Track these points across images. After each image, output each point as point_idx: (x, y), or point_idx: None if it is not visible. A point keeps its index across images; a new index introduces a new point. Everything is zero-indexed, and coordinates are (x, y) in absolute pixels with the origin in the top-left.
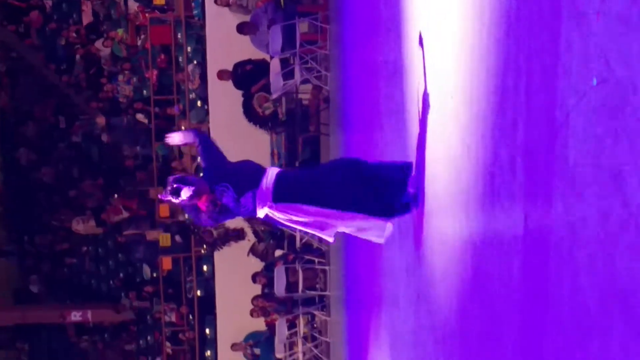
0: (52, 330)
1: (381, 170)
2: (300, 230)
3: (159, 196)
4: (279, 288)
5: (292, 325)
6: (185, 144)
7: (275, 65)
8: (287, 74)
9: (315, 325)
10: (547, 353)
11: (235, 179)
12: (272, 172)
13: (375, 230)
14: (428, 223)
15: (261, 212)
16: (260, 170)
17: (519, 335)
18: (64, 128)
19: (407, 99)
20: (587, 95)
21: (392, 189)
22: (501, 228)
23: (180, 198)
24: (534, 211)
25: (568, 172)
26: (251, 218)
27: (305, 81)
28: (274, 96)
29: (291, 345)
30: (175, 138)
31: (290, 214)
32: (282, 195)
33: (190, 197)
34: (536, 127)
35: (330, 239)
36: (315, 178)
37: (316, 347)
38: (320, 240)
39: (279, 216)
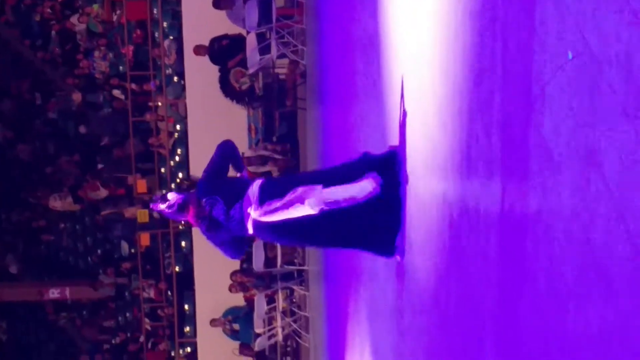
0: (30, 307)
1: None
2: (287, 241)
3: (150, 205)
4: (258, 263)
5: (271, 300)
6: None
7: (251, 40)
8: (264, 49)
9: (294, 300)
10: (524, 323)
11: (224, 193)
12: (256, 182)
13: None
14: (406, 197)
15: (249, 225)
16: (247, 183)
17: (496, 306)
18: (40, 105)
19: (384, 73)
20: (562, 68)
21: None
22: (478, 201)
23: (168, 203)
24: (511, 184)
25: (544, 145)
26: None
27: (281, 56)
28: (251, 71)
29: (270, 320)
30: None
31: (276, 213)
32: (267, 198)
33: (179, 206)
34: (512, 101)
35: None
36: (299, 178)
37: (295, 321)
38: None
39: (265, 221)
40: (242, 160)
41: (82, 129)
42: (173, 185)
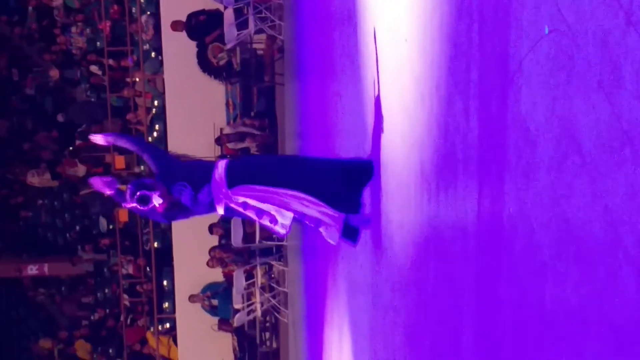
0: (8, 284)
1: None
2: (258, 222)
3: (123, 205)
4: (236, 239)
5: (249, 275)
6: (107, 145)
7: (229, 16)
8: (241, 24)
9: (272, 276)
10: (503, 298)
11: (189, 177)
12: (221, 163)
13: (328, 228)
14: (384, 174)
15: (219, 207)
16: (211, 165)
17: (474, 281)
18: (17, 81)
19: (362, 46)
20: (539, 43)
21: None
22: (456, 177)
23: (151, 205)
24: (489, 159)
25: (521, 121)
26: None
27: (259, 31)
28: (228, 46)
29: (249, 296)
30: (97, 139)
31: (246, 197)
32: (235, 179)
33: (162, 204)
34: (489, 76)
35: (283, 231)
36: (265, 162)
37: (274, 297)
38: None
39: (235, 205)
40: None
41: (60, 118)
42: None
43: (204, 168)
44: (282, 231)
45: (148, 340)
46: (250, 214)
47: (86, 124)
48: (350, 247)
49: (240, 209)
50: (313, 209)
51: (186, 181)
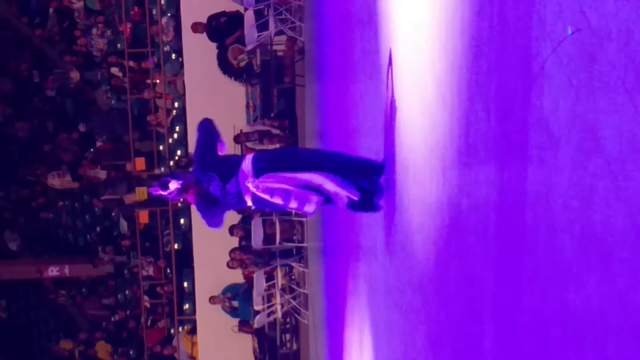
0: (29, 285)
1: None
2: (284, 206)
3: (149, 190)
4: (257, 240)
5: (270, 277)
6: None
7: (249, 17)
8: (262, 26)
9: (293, 277)
10: (524, 296)
11: (220, 170)
12: (249, 156)
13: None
14: (405, 175)
15: (248, 197)
16: (240, 159)
17: (495, 281)
18: (38, 82)
19: (382, 48)
20: (562, 44)
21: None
22: (478, 177)
23: (168, 190)
24: (510, 161)
25: (543, 121)
26: (242, 209)
27: (279, 32)
28: (249, 48)
29: (269, 298)
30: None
31: (273, 184)
32: (261, 170)
33: (179, 191)
34: (511, 77)
35: (311, 209)
36: (291, 152)
37: (294, 298)
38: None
39: (262, 193)
40: (219, 135)
41: (82, 128)
42: (172, 163)
43: (233, 162)
44: (310, 209)
45: (174, 337)
46: (277, 201)
47: (106, 135)
48: (373, 214)
49: (268, 197)
50: (331, 185)
51: (218, 174)
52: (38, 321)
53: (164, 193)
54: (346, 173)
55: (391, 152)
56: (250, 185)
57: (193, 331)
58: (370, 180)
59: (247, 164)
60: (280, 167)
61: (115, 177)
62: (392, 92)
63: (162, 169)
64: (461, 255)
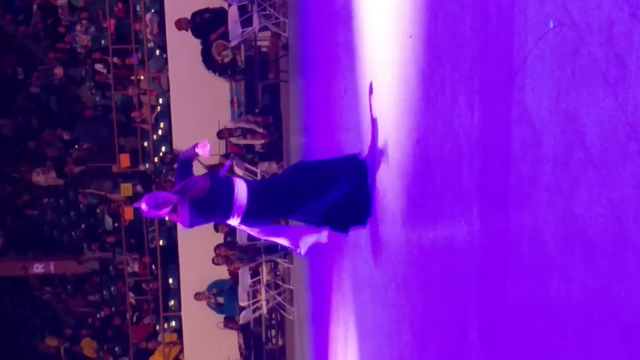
0: (14, 282)
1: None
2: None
3: (140, 210)
4: (242, 237)
5: (255, 273)
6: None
7: (233, 13)
8: (246, 22)
9: (278, 273)
10: (509, 294)
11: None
12: (241, 188)
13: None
14: (388, 170)
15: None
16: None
17: (479, 277)
18: (22, 79)
19: (365, 44)
20: (543, 38)
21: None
22: (461, 171)
23: (161, 212)
24: (494, 154)
25: (526, 115)
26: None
27: (263, 28)
28: (233, 44)
29: (254, 293)
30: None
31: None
32: (253, 216)
33: (171, 211)
34: (494, 72)
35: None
36: (279, 189)
37: (279, 294)
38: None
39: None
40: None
41: (66, 136)
42: (156, 159)
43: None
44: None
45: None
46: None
47: (91, 143)
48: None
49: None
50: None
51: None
52: (23, 318)
53: (156, 213)
54: (329, 184)
55: (374, 150)
56: (233, 222)
57: (176, 330)
58: (359, 182)
59: (240, 198)
60: (270, 204)
61: (101, 170)
62: (372, 90)
63: (147, 165)
64: (444, 250)
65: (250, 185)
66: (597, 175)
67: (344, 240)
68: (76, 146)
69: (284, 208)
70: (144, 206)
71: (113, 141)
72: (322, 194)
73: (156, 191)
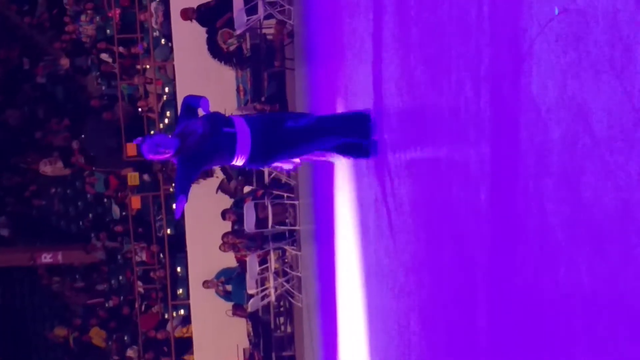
0: (22, 272)
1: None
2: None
3: (140, 148)
4: (249, 224)
5: (263, 261)
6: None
7: (238, 1)
8: (251, 9)
9: (286, 260)
10: (518, 281)
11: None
12: (245, 134)
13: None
14: (396, 154)
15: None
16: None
17: (488, 262)
18: (28, 69)
19: (371, 30)
20: (549, 25)
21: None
22: (468, 158)
23: (161, 156)
24: (500, 140)
25: (532, 101)
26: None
27: (269, 16)
28: (238, 32)
29: (262, 281)
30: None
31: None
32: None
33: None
34: (500, 58)
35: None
36: (283, 131)
37: (287, 281)
38: (289, 174)
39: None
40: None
41: (75, 145)
42: None
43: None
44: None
45: (168, 322)
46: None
47: (97, 151)
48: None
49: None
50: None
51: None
52: (32, 308)
53: (157, 157)
54: (334, 140)
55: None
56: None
57: (185, 319)
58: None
59: (242, 142)
60: (273, 143)
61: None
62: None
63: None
64: (453, 236)
65: (253, 126)
66: (603, 161)
67: (352, 225)
68: (82, 136)
69: (288, 143)
70: (145, 149)
71: (121, 150)
72: (327, 132)
73: (156, 135)
